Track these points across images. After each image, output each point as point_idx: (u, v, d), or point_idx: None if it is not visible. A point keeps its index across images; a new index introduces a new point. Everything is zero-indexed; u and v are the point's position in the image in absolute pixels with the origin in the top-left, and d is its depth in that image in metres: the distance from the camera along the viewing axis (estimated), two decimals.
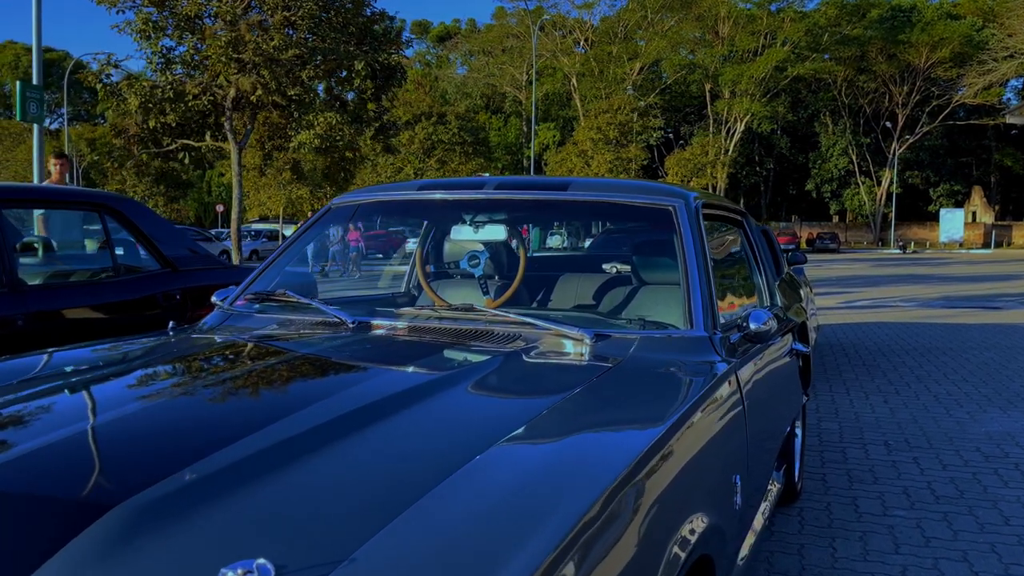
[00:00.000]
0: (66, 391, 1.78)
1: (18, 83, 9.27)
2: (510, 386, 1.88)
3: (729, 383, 2.08)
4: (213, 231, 34.14)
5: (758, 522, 2.47)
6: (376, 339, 2.25)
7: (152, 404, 1.65)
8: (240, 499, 1.13)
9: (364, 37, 17.00)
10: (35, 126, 9.45)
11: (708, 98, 56.02)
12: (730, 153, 52.31)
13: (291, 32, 16.13)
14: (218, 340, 2.35)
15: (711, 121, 55.90)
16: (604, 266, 4.42)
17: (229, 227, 20.27)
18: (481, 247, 3.10)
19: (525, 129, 38.52)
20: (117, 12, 15.60)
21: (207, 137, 16.76)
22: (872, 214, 59.27)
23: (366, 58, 16.46)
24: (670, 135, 57.77)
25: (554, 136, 56.85)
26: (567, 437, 1.54)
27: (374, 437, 1.45)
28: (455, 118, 43.02)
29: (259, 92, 15.16)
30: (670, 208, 2.61)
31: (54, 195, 4.31)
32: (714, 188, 48.62)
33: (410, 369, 1.95)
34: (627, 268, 3.63)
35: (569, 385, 1.82)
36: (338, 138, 17.23)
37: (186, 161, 17.88)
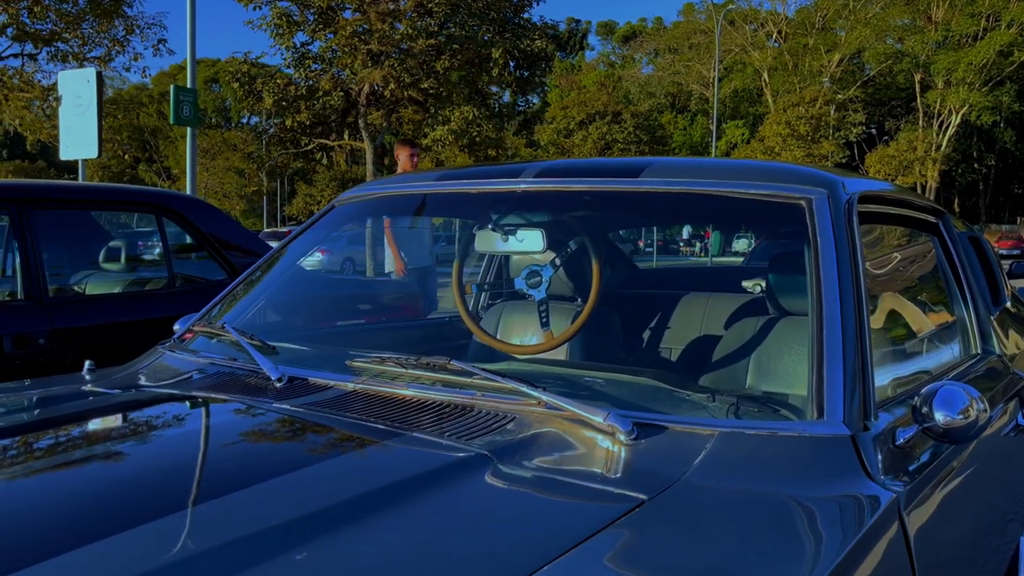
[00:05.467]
0: None
1: (172, 87, 9.39)
2: (431, 547, 0.98)
3: (888, 542, 1.06)
4: None
5: None
6: (281, 418, 1.43)
7: None
8: None
9: (507, 24, 16.20)
10: (188, 130, 9.54)
11: (918, 89, 51.18)
12: (943, 149, 47.43)
13: (427, 19, 15.56)
14: (114, 397, 1.67)
15: (920, 114, 51.06)
16: (744, 284, 3.37)
17: None
18: (551, 256, 2.24)
19: (712, 128, 36.50)
20: (254, 8, 15.83)
21: (345, 135, 16.66)
22: None
23: (505, 45, 15.63)
24: (872, 131, 53.32)
25: (742, 134, 54.13)
26: None
27: None
28: (631, 116, 41.75)
29: (392, 86, 14.75)
30: (801, 202, 1.60)
31: (101, 195, 3.83)
32: (923, 187, 44.27)
33: (286, 488, 1.12)
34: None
35: (543, 554, 0.91)
36: (475, 133, 16.55)
37: (323, 161, 17.96)
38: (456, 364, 1.47)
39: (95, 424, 1.47)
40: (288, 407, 1.43)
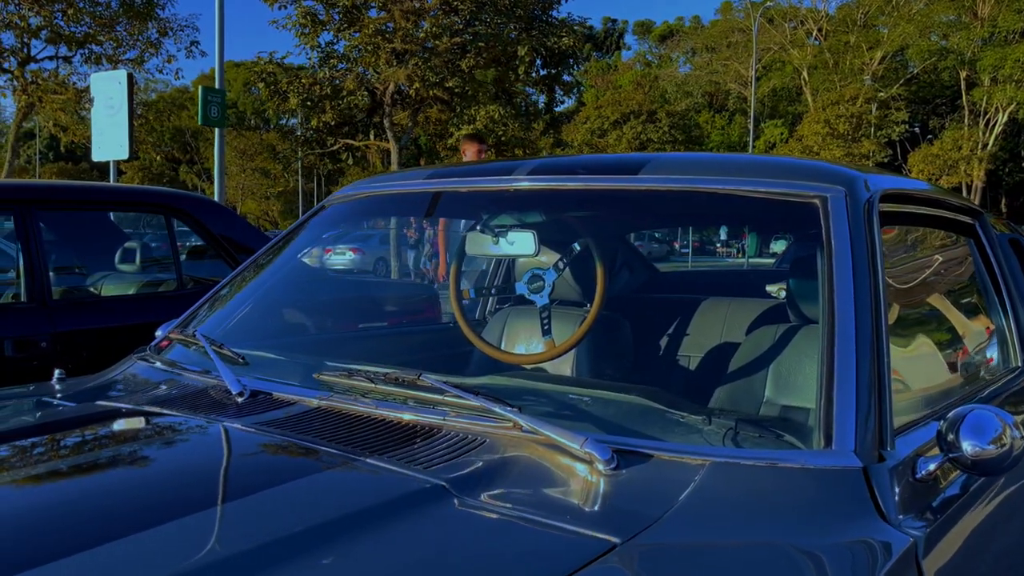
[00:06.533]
0: None
1: (200, 88, 9.41)
2: None
3: None
4: None
5: None
6: (230, 439, 1.31)
7: None
8: None
9: (533, 21, 16.01)
10: (216, 130, 9.55)
11: (963, 87, 49.95)
12: (989, 147, 46.24)
13: (452, 16, 15.40)
14: (68, 411, 1.57)
15: (966, 112, 49.83)
16: (769, 288, 3.20)
17: None
18: (556, 259, 2.11)
19: (750, 127, 35.95)
20: (279, 8, 15.84)
21: (371, 135, 16.61)
22: None
23: (531, 42, 15.44)
24: (916, 129, 52.16)
25: (781, 133, 53.32)
26: None
27: None
28: (666, 116, 41.34)
29: (416, 85, 14.67)
30: (815, 201, 1.44)
31: (107, 195, 3.76)
32: (969, 187, 43.20)
33: (208, 523, 0.99)
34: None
35: None
36: (500, 132, 16.40)
37: (349, 162, 17.89)
38: (427, 380, 1.34)
39: (34, 441, 1.36)
40: (240, 425, 1.31)
